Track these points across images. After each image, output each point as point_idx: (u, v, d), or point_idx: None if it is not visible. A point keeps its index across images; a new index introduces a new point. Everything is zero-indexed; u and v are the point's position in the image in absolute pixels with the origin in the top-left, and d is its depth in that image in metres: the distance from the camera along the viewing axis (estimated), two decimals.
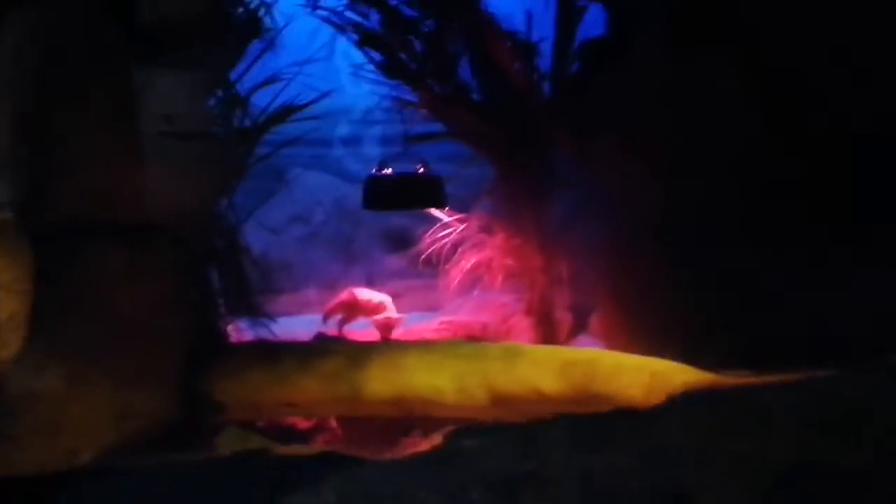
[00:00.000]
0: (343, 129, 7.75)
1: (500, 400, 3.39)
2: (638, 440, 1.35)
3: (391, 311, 5.84)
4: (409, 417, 3.58)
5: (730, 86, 4.22)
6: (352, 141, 8.06)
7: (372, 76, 5.96)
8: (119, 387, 3.26)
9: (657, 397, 3.00)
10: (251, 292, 4.74)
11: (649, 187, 4.85)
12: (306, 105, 4.73)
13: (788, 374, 1.69)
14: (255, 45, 4.59)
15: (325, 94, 5.03)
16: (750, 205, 4.04)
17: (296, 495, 1.24)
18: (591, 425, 1.51)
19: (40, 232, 2.92)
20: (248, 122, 4.56)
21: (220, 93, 4.46)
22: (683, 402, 1.76)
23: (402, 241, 7.88)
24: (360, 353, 3.56)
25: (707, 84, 4.34)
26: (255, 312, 4.68)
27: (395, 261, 7.74)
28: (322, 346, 3.83)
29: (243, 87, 4.56)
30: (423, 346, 3.72)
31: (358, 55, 5.88)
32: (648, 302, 4.87)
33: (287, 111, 4.66)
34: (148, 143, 3.49)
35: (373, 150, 7.95)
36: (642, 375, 3.22)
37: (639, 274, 5.04)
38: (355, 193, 8.14)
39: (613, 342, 5.07)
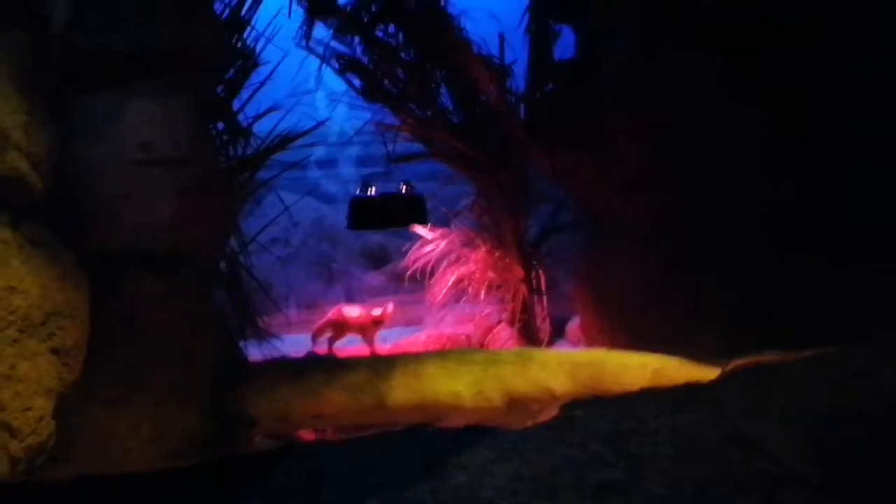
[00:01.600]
0: (319, 152, 7.93)
1: (514, 401, 3.67)
2: (707, 402, 1.70)
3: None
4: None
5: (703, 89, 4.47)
6: (327, 163, 8.26)
7: (348, 101, 6.23)
8: (158, 407, 3.43)
9: None
10: (256, 313, 4.94)
11: (624, 197, 5.18)
12: (305, 133, 4.96)
13: (803, 352, 2.08)
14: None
15: (320, 123, 5.24)
16: (730, 206, 4.32)
17: (460, 455, 1.52)
18: (670, 394, 1.84)
19: (88, 261, 3.08)
20: (248, 151, 4.75)
21: (220, 123, 4.66)
22: (736, 375, 2.13)
23: (380, 259, 8.12)
24: (382, 364, 3.79)
25: (676, 92, 4.61)
26: (261, 333, 4.88)
27: (374, 278, 7.97)
28: (345, 361, 4.05)
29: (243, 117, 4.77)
30: (440, 355, 3.97)
31: (333, 82, 6.13)
32: (630, 306, 5.18)
33: (285, 140, 4.87)
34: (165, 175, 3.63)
35: (348, 171, 8.19)
36: (645, 372, 3.55)
37: (619, 281, 5.37)
38: (332, 214, 8.41)
39: (594, 345, 5.37)
